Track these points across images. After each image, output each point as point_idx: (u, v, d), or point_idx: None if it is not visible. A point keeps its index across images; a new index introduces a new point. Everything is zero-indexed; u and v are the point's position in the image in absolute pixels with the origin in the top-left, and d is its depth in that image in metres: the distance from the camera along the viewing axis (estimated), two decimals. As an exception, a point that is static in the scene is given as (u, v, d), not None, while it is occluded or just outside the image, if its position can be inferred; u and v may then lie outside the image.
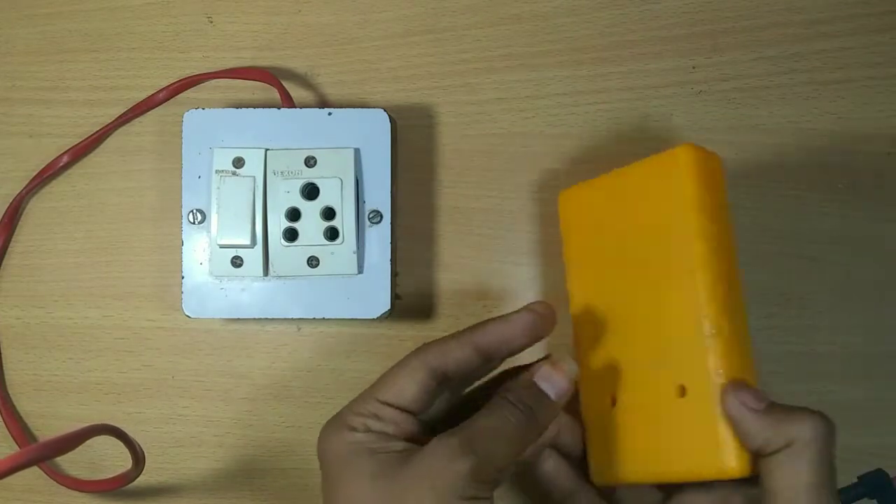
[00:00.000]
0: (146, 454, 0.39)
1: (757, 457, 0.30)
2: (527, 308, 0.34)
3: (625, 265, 0.35)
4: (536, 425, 0.32)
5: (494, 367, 0.36)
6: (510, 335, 0.34)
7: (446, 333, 0.43)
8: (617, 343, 0.35)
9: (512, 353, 0.34)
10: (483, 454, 0.30)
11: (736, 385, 0.30)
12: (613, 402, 0.34)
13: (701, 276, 0.32)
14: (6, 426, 0.43)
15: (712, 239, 0.32)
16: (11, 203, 0.44)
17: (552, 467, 0.36)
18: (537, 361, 0.35)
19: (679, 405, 0.32)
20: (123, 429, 0.37)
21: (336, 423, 0.32)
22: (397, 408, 0.32)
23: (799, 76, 0.42)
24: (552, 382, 0.33)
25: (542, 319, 0.34)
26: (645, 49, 0.43)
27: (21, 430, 0.43)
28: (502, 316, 0.34)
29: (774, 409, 0.30)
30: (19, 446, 0.43)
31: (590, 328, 0.36)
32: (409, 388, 0.32)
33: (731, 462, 0.30)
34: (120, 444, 0.37)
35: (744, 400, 0.30)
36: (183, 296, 0.40)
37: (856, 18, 0.42)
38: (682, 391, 0.32)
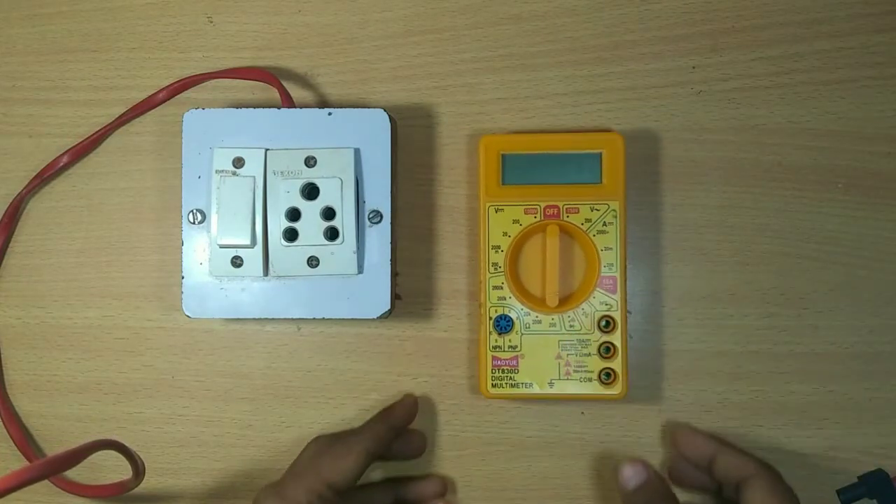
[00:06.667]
0: (146, 454, 0.39)
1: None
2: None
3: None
4: None
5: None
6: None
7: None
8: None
9: None
10: None
11: None
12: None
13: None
14: (5, 426, 0.43)
15: None
16: (11, 203, 0.44)
17: None
18: None
19: None
20: (125, 437, 0.37)
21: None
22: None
23: (799, 76, 0.42)
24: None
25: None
26: (645, 49, 0.43)
27: (20, 431, 0.43)
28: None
29: None
30: (18, 447, 0.43)
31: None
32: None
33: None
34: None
35: None
36: (183, 296, 0.40)
37: (856, 18, 0.42)
38: None
